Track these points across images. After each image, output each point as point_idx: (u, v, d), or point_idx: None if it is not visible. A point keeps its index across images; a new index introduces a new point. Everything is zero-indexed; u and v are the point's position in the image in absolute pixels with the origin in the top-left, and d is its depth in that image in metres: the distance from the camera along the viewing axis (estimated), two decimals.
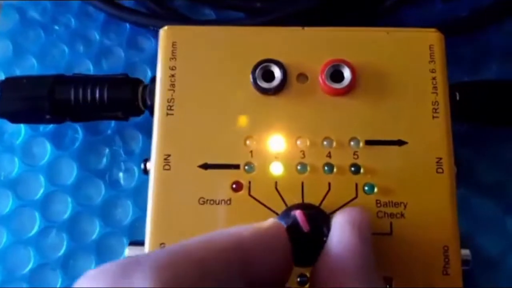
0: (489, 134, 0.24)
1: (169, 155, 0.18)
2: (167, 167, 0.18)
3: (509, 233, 0.23)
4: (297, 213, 0.16)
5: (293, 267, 0.15)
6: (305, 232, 0.16)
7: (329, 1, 0.25)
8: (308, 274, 0.17)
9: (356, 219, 0.15)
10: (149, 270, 0.12)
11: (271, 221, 0.15)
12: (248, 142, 0.18)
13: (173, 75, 0.19)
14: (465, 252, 0.19)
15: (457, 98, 0.21)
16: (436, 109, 0.19)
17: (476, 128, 0.24)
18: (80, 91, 0.21)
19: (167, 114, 0.19)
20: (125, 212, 0.24)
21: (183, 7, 0.27)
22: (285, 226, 0.15)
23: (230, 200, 0.18)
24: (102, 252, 0.23)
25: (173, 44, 0.19)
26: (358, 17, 0.26)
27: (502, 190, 0.23)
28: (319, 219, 0.16)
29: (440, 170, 0.18)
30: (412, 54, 0.19)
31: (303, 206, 0.17)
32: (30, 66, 0.26)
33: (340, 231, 0.15)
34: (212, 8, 0.27)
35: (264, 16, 0.25)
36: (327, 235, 0.15)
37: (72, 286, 0.13)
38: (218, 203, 0.18)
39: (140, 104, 0.21)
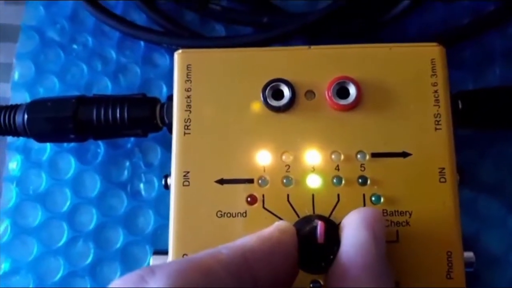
0: (492, 137, 0.25)
1: (188, 172, 0.20)
2: (186, 183, 0.19)
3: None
4: (320, 224, 0.17)
5: (298, 271, 0.17)
6: (318, 243, 0.17)
7: (334, 14, 0.26)
8: (320, 281, 0.18)
9: (370, 218, 0.17)
10: (163, 276, 0.14)
11: (274, 225, 0.17)
12: (260, 158, 0.20)
13: (188, 97, 0.20)
14: (469, 254, 0.21)
15: (460, 106, 0.22)
16: (438, 121, 0.20)
17: (480, 131, 0.25)
18: (102, 111, 0.22)
19: (185, 133, 0.20)
20: (147, 221, 0.25)
21: (195, 23, 0.28)
22: (296, 229, 0.17)
23: (245, 212, 0.19)
24: (126, 259, 0.25)
25: (188, 67, 0.21)
26: (361, 28, 0.27)
27: (505, 190, 0.24)
28: (332, 231, 0.17)
29: (443, 180, 0.19)
30: (414, 69, 0.20)
31: (320, 218, 0.18)
32: (52, 85, 0.28)
33: (355, 230, 0.16)
34: (222, 23, 0.28)
35: (271, 31, 0.26)
36: (336, 246, 0.17)
37: None
38: (235, 216, 0.19)
39: (158, 121, 0.23)
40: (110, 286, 0.14)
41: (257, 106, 0.20)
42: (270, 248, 0.16)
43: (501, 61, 0.27)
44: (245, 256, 0.15)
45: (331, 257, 0.16)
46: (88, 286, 0.25)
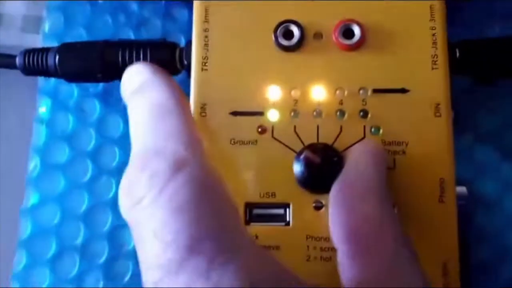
0: (490, 88, 0.27)
1: (205, 104, 0.21)
2: (203, 114, 0.21)
3: (505, 178, 0.25)
4: (305, 153, 0.19)
5: None
6: (318, 163, 0.19)
7: None
8: (322, 201, 0.20)
9: (373, 149, 0.18)
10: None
11: None
12: (271, 93, 0.21)
13: (206, 36, 0.22)
14: (462, 188, 0.22)
15: (457, 55, 0.24)
16: (435, 61, 0.21)
17: (478, 83, 0.27)
18: (126, 53, 0.24)
19: (202, 69, 0.22)
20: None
21: None
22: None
23: (256, 141, 0.21)
24: None
25: (206, 9, 0.22)
26: None
27: (500, 138, 0.26)
28: (329, 152, 0.19)
29: (438, 114, 0.21)
30: (415, 13, 0.22)
31: (312, 145, 0.20)
32: (79, 36, 0.30)
33: (358, 158, 0.18)
34: None
35: None
36: (338, 164, 0.19)
37: None
38: (246, 144, 0.21)
39: (178, 64, 0.25)
40: None
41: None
42: None
43: (500, 20, 0.28)
44: None
45: (332, 177, 0.18)
46: (110, 219, 0.27)
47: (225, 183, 0.16)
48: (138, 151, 0.16)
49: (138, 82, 0.18)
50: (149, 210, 0.14)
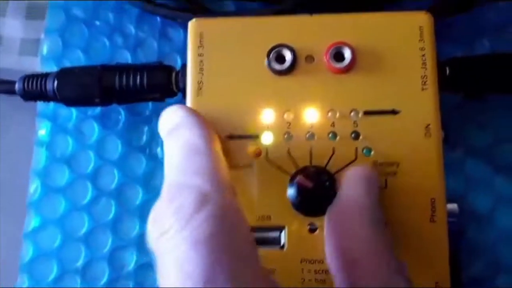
0: (481, 103, 0.27)
1: None
2: None
3: (497, 192, 0.26)
4: (297, 178, 0.19)
5: None
6: (310, 188, 0.19)
7: None
8: (317, 223, 0.20)
9: (365, 174, 0.19)
10: None
11: None
12: (265, 116, 0.22)
13: (201, 61, 0.22)
14: (453, 206, 0.23)
15: (447, 72, 0.24)
16: (425, 82, 0.22)
17: (469, 98, 0.27)
18: (124, 77, 0.25)
19: (198, 94, 0.22)
20: (163, 180, 0.28)
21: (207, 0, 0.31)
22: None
23: (251, 164, 0.21)
24: (144, 215, 0.27)
25: (200, 34, 0.23)
26: (365, 2, 0.29)
27: (492, 153, 0.26)
28: (322, 176, 0.19)
29: (428, 135, 0.21)
30: (404, 35, 0.22)
31: (306, 168, 0.20)
32: (77, 59, 0.30)
33: (351, 183, 0.19)
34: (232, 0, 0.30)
35: (277, 5, 0.28)
36: (331, 188, 0.19)
37: None
38: (242, 167, 0.21)
39: (174, 87, 0.25)
40: None
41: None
42: None
43: (490, 34, 0.28)
44: None
45: (325, 201, 0.19)
46: (110, 240, 0.27)
47: (245, 219, 0.17)
48: (168, 184, 0.17)
49: (174, 122, 0.19)
50: (174, 241, 0.15)
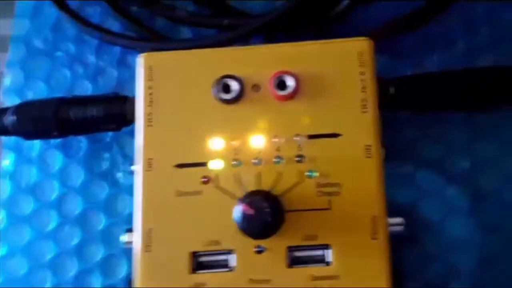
0: (431, 118, 0.28)
1: (151, 158, 0.23)
2: (149, 168, 0.23)
3: (449, 201, 0.27)
4: (240, 205, 0.20)
5: None
6: (253, 215, 0.20)
7: (287, 14, 0.29)
8: (263, 245, 0.21)
9: None
10: None
11: None
12: (213, 144, 0.23)
13: (151, 93, 0.23)
14: (398, 219, 0.24)
15: (392, 91, 0.25)
16: (365, 105, 0.23)
17: (416, 113, 0.28)
18: (80, 110, 0.26)
19: (148, 125, 0.23)
20: (125, 205, 0.29)
21: (165, 27, 0.32)
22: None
23: (200, 191, 0.22)
24: (107, 239, 0.28)
25: (150, 67, 0.24)
26: (315, 25, 0.30)
27: (443, 165, 0.27)
28: (263, 203, 0.20)
29: (368, 155, 0.22)
30: (344, 61, 0.23)
31: (251, 194, 0.21)
32: (40, 89, 0.31)
33: None
34: (188, 27, 0.31)
35: (231, 32, 0.29)
36: (275, 213, 0.20)
37: None
38: (191, 194, 0.22)
39: (128, 116, 0.26)
40: None
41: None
42: None
43: (439, 51, 0.30)
44: None
45: (269, 225, 0.20)
46: (76, 265, 0.28)
47: None
48: None
49: None
50: None
